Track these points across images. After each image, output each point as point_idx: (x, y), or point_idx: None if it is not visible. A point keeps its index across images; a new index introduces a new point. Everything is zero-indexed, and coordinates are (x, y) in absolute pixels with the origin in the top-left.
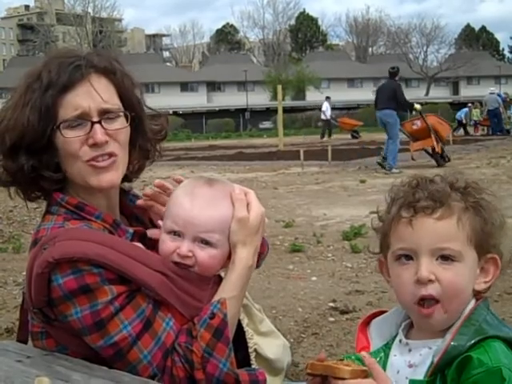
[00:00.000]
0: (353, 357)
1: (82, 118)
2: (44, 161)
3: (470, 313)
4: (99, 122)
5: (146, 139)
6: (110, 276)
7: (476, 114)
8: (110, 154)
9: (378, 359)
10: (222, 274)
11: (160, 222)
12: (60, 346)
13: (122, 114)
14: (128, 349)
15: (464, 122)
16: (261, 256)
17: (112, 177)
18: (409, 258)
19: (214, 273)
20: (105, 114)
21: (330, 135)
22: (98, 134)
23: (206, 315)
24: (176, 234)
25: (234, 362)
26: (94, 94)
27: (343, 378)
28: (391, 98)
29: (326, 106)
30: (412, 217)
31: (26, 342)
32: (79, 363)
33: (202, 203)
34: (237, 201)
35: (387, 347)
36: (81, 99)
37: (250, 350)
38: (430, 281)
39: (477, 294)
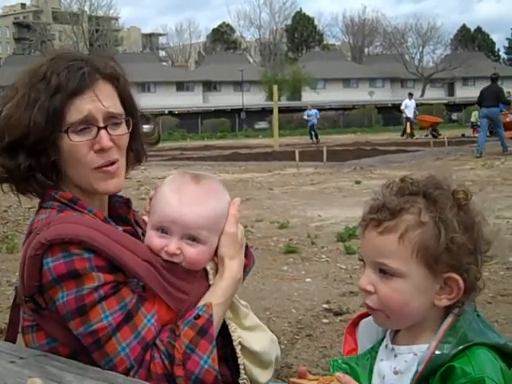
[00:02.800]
0: (339, 360)
1: (89, 123)
2: (41, 162)
3: (453, 319)
4: (105, 128)
5: (139, 142)
6: (100, 263)
7: (475, 115)
8: (114, 160)
9: (364, 362)
10: (208, 268)
11: (145, 218)
12: (50, 339)
13: (123, 120)
14: (106, 339)
15: None
16: (246, 269)
17: (118, 182)
18: (364, 264)
19: (201, 267)
20: (110, 120)
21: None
22: (105, 139)
23: (190, 317)
24: (163, 231)
25: (215, 360)
26: (100, 100)
27: None
28: (496, 98)
29: (405, 104)
30: (365, 226)
31: (14, 342)
32: (72, 364)
33: (190, 201)
34: (231, 216)
35: (374, 350)
36: (88, 105)
37: (234, 344)
38: (368, 291)
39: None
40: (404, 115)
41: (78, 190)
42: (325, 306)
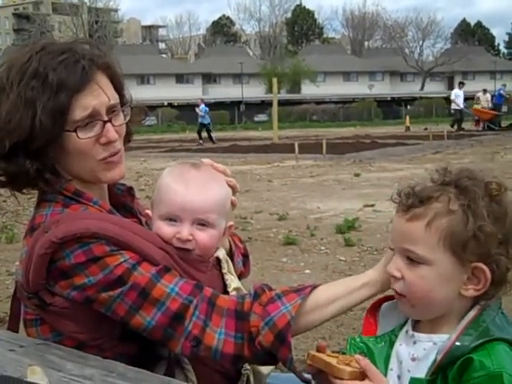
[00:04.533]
0: (357, 339)
1: (93, 118)
2: (45, 162)
3: (477, 313)
4: (110, 121)
5: (128, 125)
6: (118, 245)
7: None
8: (119, 150)
9: (382, 344)
10: (221, 256)
11: (148, 211)
12: (55, 333)
13: (121, 109)
14: (152, 286)
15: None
16: (240, 279)
17: (122, 169)
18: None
19: (212, 252)
20: (112, 112)
21: (460, 126)
22: (111, 132)
23: (303, 286)
24: (172, 219)
25: (296, 307)
26: (102, 93)
27: (341, 378)
28: None
29: (455, 94)
30: (396, 213)
31: (16, 332)
32: (72, 353)
33: (196, 186)
34: None
35: (394, 334)
36: (91, 99)
37: None
38: (396, 277)
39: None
40: (454, 106)
41: (78, 182)
42: None
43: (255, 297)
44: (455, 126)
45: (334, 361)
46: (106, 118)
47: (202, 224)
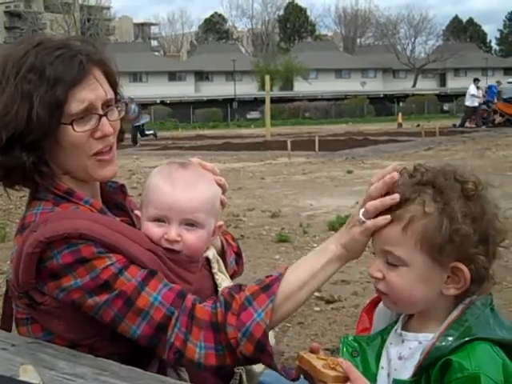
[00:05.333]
0: (350, 338)
1: (89, 112)
2: (41, 155)
3: (460, 311)
4: (105, 115)
5: (122, 121)
6: (105, 247)
7: None
8: (112, 144)
9: (374, 342)
10: (210, 256)
11: (137, 212)
12: (45, 331)
13: (116, 104)
14: (136, 295)
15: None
16: (233, 277)
17: (114, 167)
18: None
19: (201, 253)
20: (108, 106)
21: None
22: (107, 126)
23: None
24: (160, 220)
25: (268, 313)
26: (99, 86)
27: (325, 382)
28: None
29: (474, 89)
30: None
31: (9, 332)
32: (65, 351)
33: (183, 185)
34: None
35: (386, 332)
36: (87, 92)
37: None
38: (377, 278)
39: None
40: (469, 103)
41: (68, 178)
42: (316, 294)
43: (226, 306)
44: (466, 123)
45: (320, 364)
46: (101, 112)
47: (191, 224)
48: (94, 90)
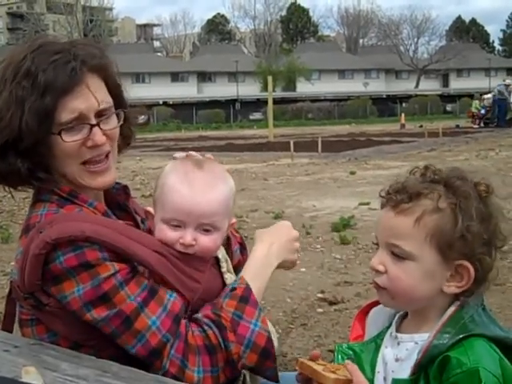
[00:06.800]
0: (344, 346)
1: (80, 121)
2: (37, 162)
3: (455, 310)
4: (98, 125)
5: (128, 127)
6: (111, 254)
7: (475, 105)
8: (106, 153)
9: (369, 348)
10: (220, 256)
11: (150, 209)
12: (50, 333)
13: (115, 112)
14: (135, 316)
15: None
16: (240, 268)
17: (108, 178)
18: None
19: (213, 254)
20: (102, 116)
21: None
22: (98, 136)
23: (226, 292)
24: (177, 223)
25: (265, 322)
26: (91, 96)
27: None
28: None
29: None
30: (382, 207)
31: (11, 333)
32: (67, 353)
33: (202, 189)
34: None
35: (379, 338)
36: (79, 102)
37: None
38: (379, 271)
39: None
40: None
41: (72, 184)
42: (319, 295)
43: (219, 326)
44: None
45: (320, 368)
46: (94, 122)
47: (207, 229)
48: (86, 100)
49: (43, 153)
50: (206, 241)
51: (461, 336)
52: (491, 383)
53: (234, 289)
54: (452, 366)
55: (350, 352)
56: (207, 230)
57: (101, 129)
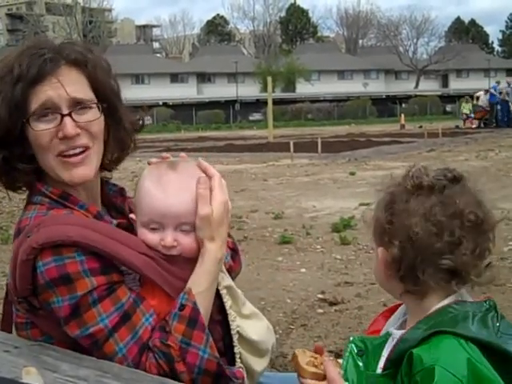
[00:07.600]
0: (357, 337)
1: (51, 110)
2: (16, 153)
3: (439, 309)
4: (69, 115)
5: (121, 130)
6: (93, 265)
7: (468, 107)
8: (83, 147)
9: (378, 342)
10: None
11: (132, 216)
12: (45, 336)
13: (94, 105)
14: (104, 340)
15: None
16: (232, 274)
17: (84, 171)
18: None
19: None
20: (76, 106)
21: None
22: (68, 126)
23: (175, 309)
24: (155, 226)
25: (214, 347)
26: (63, 86)
27: (303, 377)
28: None
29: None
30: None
31: (9, 333)
32: (67, 353)
33: (175, 190)
34: (199, 196)
35: (388, 334)
36: (49, 92)
37: (232, 333)
38: None
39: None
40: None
41: (60, 182)
42: (320, 296)
43: (167, 358)
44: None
45: (304, 361)
46: (64, 112)
47: (186, 227)
48: (57, 89)
49: (21, 143)
50: (188, 241)
51: (430, 332)
52: (447, 382)
53: (182, 307)
54: (415, 362)
55: (362, 344)
56: (187, 230)
57: (74, 120)
